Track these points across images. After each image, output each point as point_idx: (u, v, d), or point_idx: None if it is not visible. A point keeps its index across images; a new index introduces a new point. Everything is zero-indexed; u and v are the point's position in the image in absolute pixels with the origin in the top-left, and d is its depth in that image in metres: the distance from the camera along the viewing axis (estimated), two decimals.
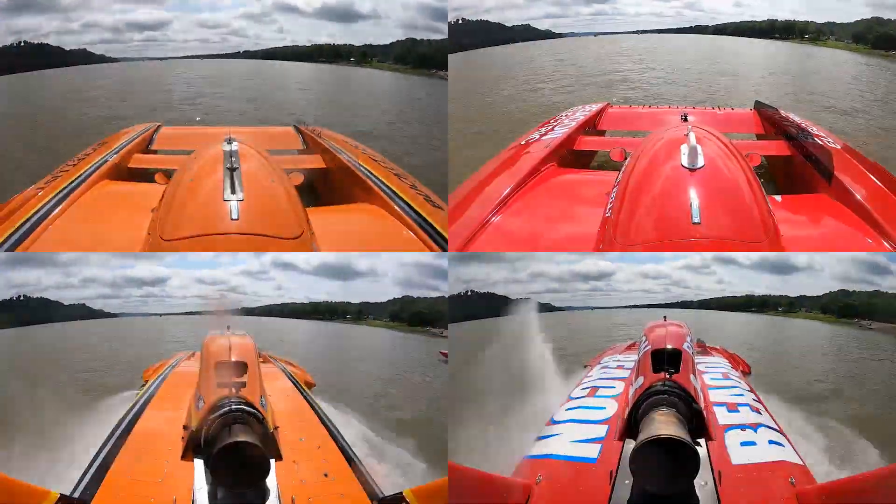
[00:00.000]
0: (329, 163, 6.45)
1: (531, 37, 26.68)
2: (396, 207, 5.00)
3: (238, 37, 28.35)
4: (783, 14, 28.16)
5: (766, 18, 28.82)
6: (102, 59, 25.33)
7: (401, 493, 3.11)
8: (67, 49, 24.75)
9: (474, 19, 25.45)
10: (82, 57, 24.90)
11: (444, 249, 4.45)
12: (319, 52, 26.99)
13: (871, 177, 5.09)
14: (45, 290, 29.72)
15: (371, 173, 5.68)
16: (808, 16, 27.01)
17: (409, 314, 26.88)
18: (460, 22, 23.93)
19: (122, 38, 26.19)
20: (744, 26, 29.32)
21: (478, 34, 24.36)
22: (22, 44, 23.52)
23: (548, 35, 27.65)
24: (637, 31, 29.56)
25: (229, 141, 3.93)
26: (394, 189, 5.30)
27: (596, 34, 28.93)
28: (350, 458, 3.89)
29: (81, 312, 31.14)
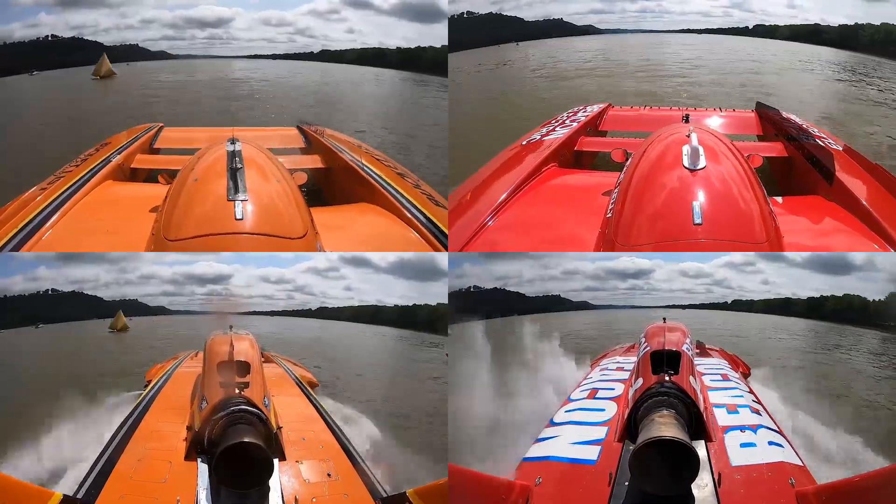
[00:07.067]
0: (332, 162, 6.46)
1: (566, 32, 25.96)
2: (400, 207, 5.02)
3: (305, 37, 27.35)
4: (837, 18, 26.49)
5: (816, 22, 27.09)
6: (164, 55, 24.90)
7: (404, 492, 3.13)
8: (122, 45, 24.30)
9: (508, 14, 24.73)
10: (138, 53, 24.48)
11: (448, 249, 4.47)
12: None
13: (872, 178, 5.09)
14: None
15: (374, 173, 5.70)
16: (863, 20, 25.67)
17: (410, 315, 26.70)
18: (493, 14, 23.46)
19: (184, 34, 25.70)
20: (796, 29, 28.08)
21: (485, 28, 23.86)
22: (50, 37, 23.17)
23: (588, 31, 26.88)
24: (683, 31, 28.58)
25: (233, 141, 3.95)
26: (397, 188, 5.31)
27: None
28: (353, 458, 3.91)
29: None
